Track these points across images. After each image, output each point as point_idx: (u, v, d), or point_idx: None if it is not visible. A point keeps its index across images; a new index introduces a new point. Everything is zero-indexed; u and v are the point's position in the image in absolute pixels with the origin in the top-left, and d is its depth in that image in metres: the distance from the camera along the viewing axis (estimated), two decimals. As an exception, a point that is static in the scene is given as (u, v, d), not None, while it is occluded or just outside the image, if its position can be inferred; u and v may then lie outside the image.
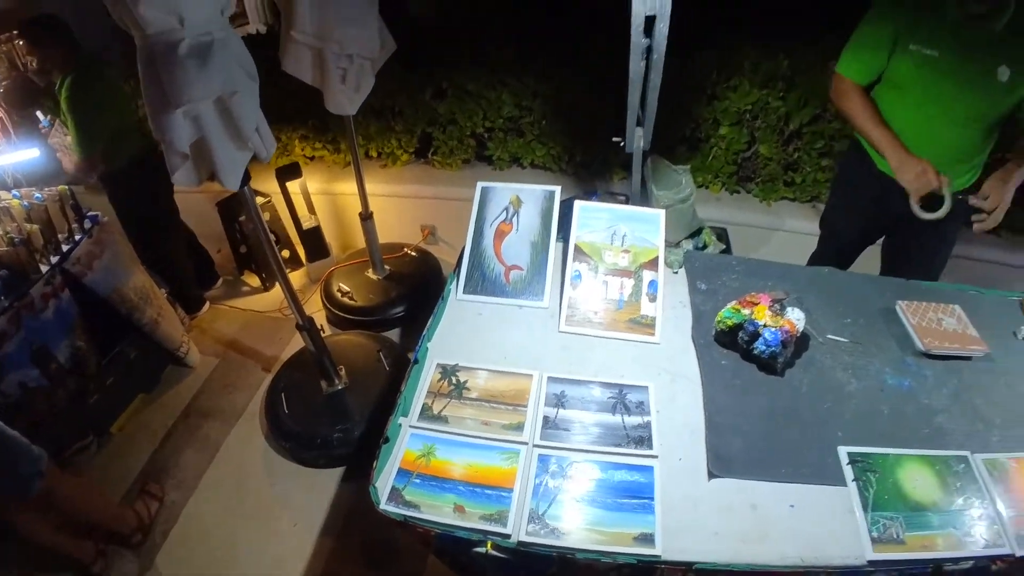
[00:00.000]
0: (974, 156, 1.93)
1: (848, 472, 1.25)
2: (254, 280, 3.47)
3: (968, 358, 1.57)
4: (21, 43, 2.76)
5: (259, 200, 3.21)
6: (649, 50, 1.48)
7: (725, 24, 3.11)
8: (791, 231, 3.02)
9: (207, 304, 3.29)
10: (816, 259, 2.48)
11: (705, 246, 2.22)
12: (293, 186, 3.22)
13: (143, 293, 2.62)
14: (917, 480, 1.25)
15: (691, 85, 2.89)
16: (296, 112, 3.29)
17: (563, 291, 1.60)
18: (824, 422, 1.36)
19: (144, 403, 2.76)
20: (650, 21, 1.42)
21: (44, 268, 2.26)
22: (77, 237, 2.42)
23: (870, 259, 2.40)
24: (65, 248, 2.36)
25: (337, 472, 2.39)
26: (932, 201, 1.81)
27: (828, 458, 1.28)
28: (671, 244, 1.86)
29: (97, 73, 2.55)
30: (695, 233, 2.24)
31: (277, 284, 3.35)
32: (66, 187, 2.45)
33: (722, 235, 2.46)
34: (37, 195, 2.37)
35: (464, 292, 1.65)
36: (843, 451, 1.29)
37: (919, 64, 1.81)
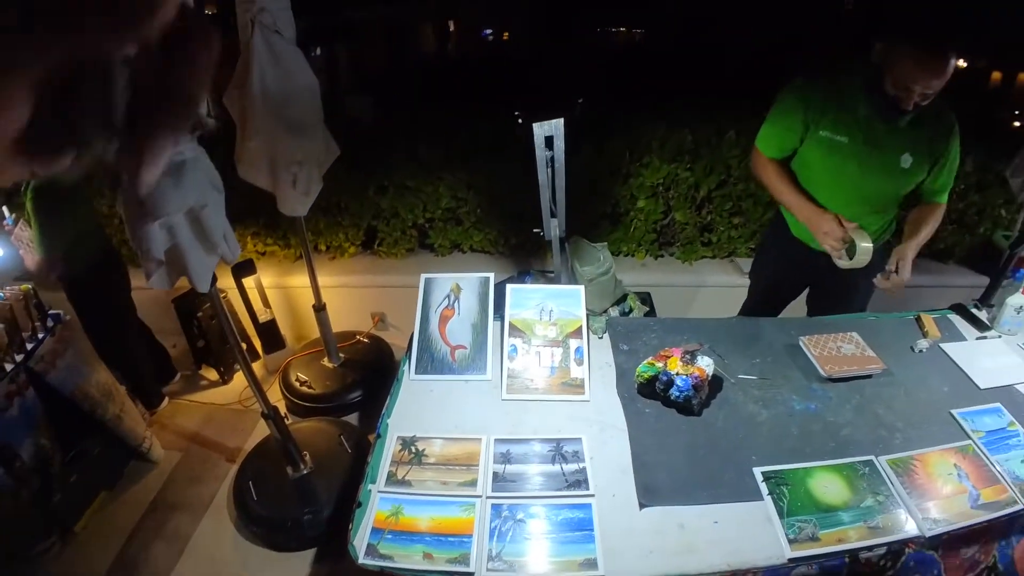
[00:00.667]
0: (877, 225, 2.16)
1: (763, 488, 1.46)
2: (212, 374, 3.53)
3: (868, 376, 1.83)
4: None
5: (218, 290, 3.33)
6: (552, 159, 1.78)
7: (633, 109, 3.51)
8: (714, 285, 3.36)
9: (166, 399, 3.33)
10: (746, 310, 2.64)
11: (630, 311, 2.48)
12: (248, 281, 3.35)
13: (105, 390, 2.67)
14: (827, 486, 1.46)
15: (607, 168, 3.25)
16: (248, 211, 3.47)
17: (503, 364, 1.82)
18: (739, 449, 1.57)
19: (108, 499, 2.75)
20: (549, 139, 1.73)
21: (8, 367, 2.30)
22: (40, 335, 2.46)
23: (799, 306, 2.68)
24: (29, 347, 2.40)
25: (309, 553, 2.46)
26: (850, 249, 1.94)
27: (745, 478, 1.48)
28: (597, 313, 2.12)
29: (63, 181, 2.67)
30: (621, 300, 2.50)
31: (235, 376, 3.46)
32: (29, 286, 2.50)
33: (646, 299, 2.73)
34: (0, 294, 2.42)
35: (416, 373, 1.85)
36: (757, 471, 1.50)
37: (830, 148, 2.00)
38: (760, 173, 2.18)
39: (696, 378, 1.65)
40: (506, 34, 21.04)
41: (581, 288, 1.91)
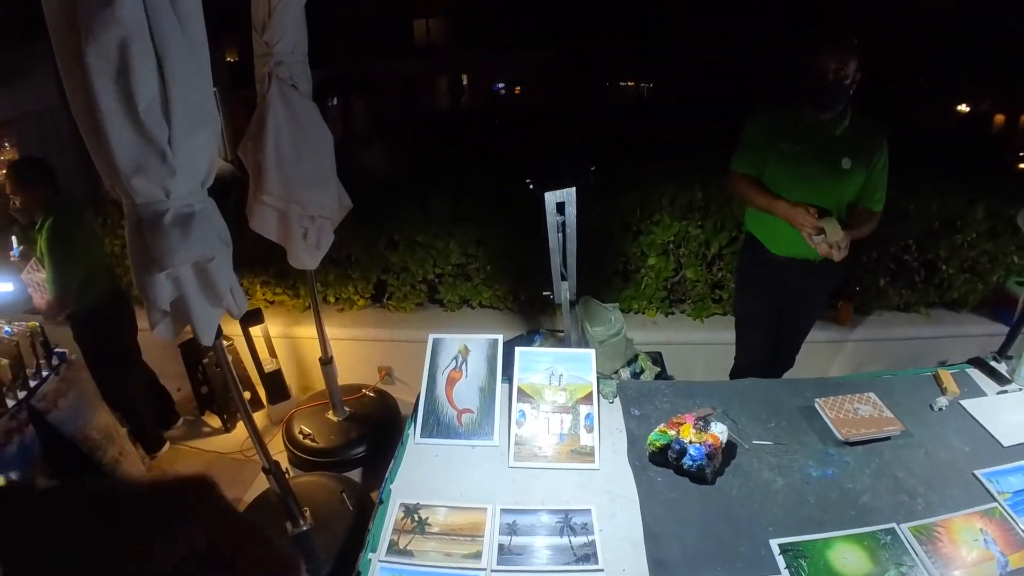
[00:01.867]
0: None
1: (780, 561, 1.40)
2: (215, 421, 3.50)
3: (887, 438, 1.77)
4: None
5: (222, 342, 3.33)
6: (563, 224, 1.78)
7: (644, 165, 3.54)
8: (725, 343, 3.28)
9: (167, 444, 3.29)
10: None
11: (642, 371, 2.45)
12: (255, 330, 3.36)
13: (106, 432, 2.63)
14: (847, 558, 1.40)
15: (618, 224, 3.27)
16: (258, 259, 3.49)
17: (510, 429, 1.78)
18: (754, 520, 1.52)
19: (105, 543, 2.69)
20: (560, 205, 1.73)
21: (10, 403, 2.28)
22: (44, 373, 2.45)
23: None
24: (32, 384, 2.39)
25: (307, 615, 2.38)
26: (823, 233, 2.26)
27: (761, 551, 1.43)
28: (607, 376, 2.09)
29: (77, 218, 2.71)
30: (631, 360, 2.47)
31: (239, 425, 3.42)
32: (36, 323, 2.50)
33: (657, 359, 2.71)
34: (7, 329, 2.41)
35: (421, 436, 1.81)
36: (774, 543, 1.44)
37: (787, 158, 2.37)
38: (736, 188, 2.54)
39: (709, 446, 1.60)
40: (518, 88, 21.71)
41: (592, 352, 1.89)
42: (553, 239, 1.82)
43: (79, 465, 2.60)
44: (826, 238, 2.22)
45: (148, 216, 1.58)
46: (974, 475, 1.66)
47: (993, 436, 1.82)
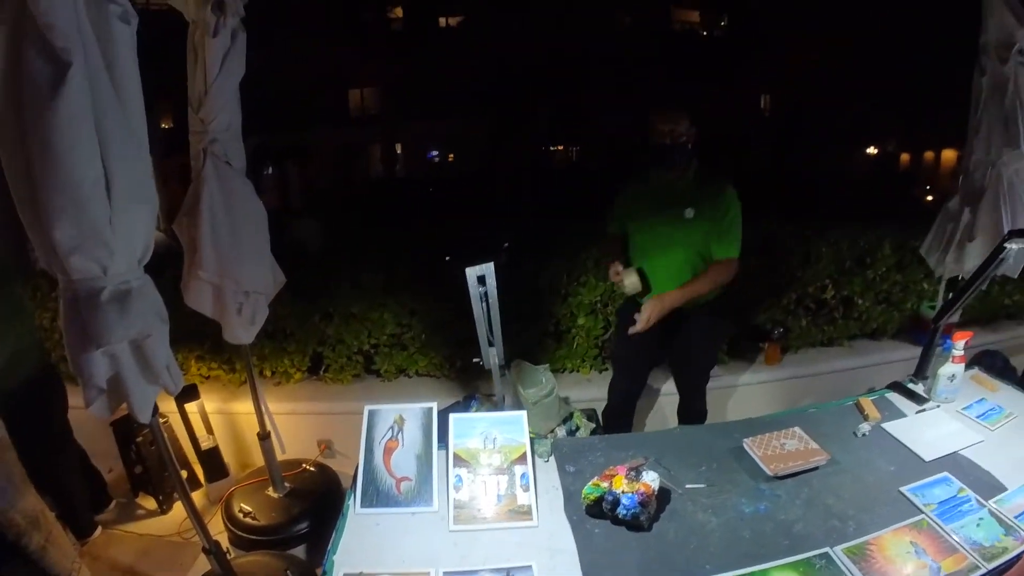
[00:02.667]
0: (683, 273, 2.62)
1: None
2: (150, 502, 3.33)
3: (815, 468, 1.86)
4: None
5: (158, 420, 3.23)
6: (485, 294, 1.88)
7: (569, 229, 3.72)
8: (663, 393, 3.44)
9: (99, 528, 3.11)
10: (613, 384, 3.03)
11: (577, 428, 2.51)
12: (191, 406, 3.26)
13: (32, 517, 2.45)
14: None
15: (547, 288, 3.41)
16: (192, 334, 3.42)
17: (449, 494, 1.80)
18: (693, 560, 1.57)
19: (29, 637, 2.47)
20: (481, 277, 1.83)
21: None
22: None
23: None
24: None
25: None
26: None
27: (700, 590, 1.45)
28: (543, 435, 2.14)
29: (8, 293, 2.61)
30: (567, 418, 2.54)
31: (175, 506, 3.28)
32: None
33: (592, 415, 2.79)
34: None
35: (362, 507, 1.81)
36: (711, 581, 1.47)
37: (642, 215, 2.67)
38: (604, 247, 2.92)
39: (642, 494, 1.66)
40: (451, 156, 22.24)
41: (523, 414, 1.94)
42: (477, 309, 1.91)
43: (2, 553, 2.42)
44: (628, 282, 2.57)
45: (85, 293, 1.58)
46: (900, 492, 1.76)
47: (915, 453, 1.94)
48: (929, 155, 22.45)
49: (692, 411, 2.96)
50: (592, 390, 3.39)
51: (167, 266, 2.70)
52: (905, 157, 23.42)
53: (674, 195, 2.60)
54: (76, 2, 1.46)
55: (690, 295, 2.58)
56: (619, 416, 2.91)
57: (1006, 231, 2.44)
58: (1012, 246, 2.11)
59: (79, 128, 1.46)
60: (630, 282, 2.56)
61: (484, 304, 1.90)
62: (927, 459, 1.92)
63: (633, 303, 2.76)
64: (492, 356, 2.01)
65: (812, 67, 19.42)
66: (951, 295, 2.52)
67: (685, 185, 2.61)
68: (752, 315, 3.62)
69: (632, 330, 2.53)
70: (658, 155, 2.56)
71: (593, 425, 2.60)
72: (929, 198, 17.49)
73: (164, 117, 12.00)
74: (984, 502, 1.73)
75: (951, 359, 2.20)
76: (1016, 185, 2.91)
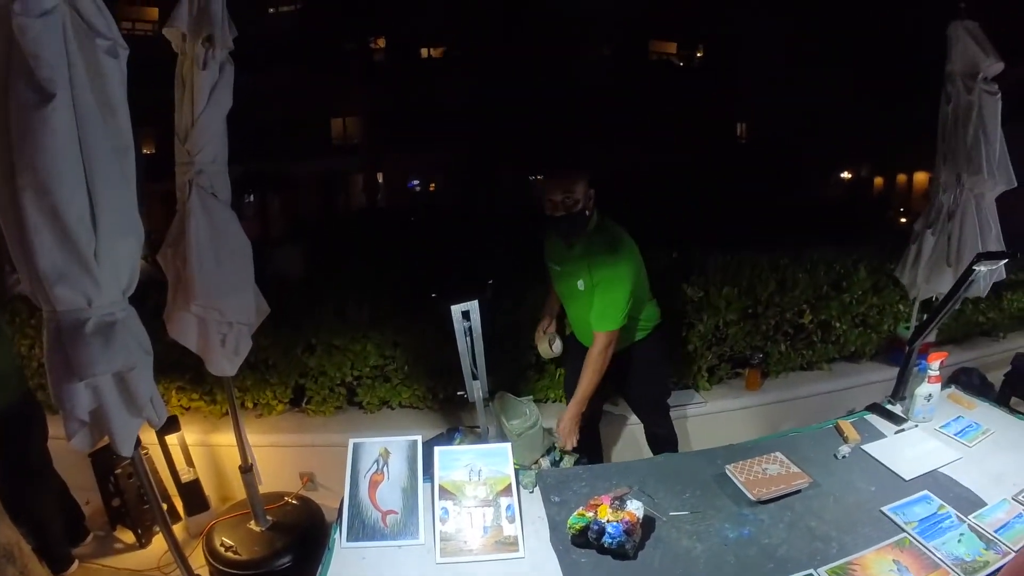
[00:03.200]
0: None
1: None
2: (128, 536, 3.26)
3: (797, 492, 1.88)
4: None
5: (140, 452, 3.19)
6: (470, 329, 1.90)
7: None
8: (631, 422, 3.43)
9: (76, 563, 3.03)
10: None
11: (560, 459, 2.52)
12: (171, 438, 3.21)
13: (7, 551, 2.38)
14: None
15: (527, 320, 3.38)
16: (173, 365, 3.39)
17: (435, 527, 1.80)
18: (679, 587, 1.56)
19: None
20: (466, 312, 1.85)
21: None
22: None
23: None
24: None
25: None
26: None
27: (687, 616, 1.46)
28: (526, 466, 2.16)
29: None
30: (550, 449, 2.55)
31: (154, 539, 3.22)
32: None
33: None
34: None
35: (347, 541, 1.80)
36: (697, 606, 1.48)
37: (552, 273, 2.76)
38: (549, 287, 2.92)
39: (627, 523, 1.67)
40: (432, 185, 22.40)
41: (508, 446, 1.96)
42: (462, 343, 1.94)
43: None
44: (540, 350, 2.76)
45: (69, 324, 1.58)
46: (881, 511, 1.80)
47: (895, 473, 1.98)
48: (901, 178, 23.05)
49: (657, 437, 2.99)
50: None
51: (149, 295, 2.69)
52: (879, 181, 24.04)
53: (572, 262, 2.60)
54: (65, 34, 1.49)
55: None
56: (584, 447, 2.85)
57: (976, 252, 2.53)
58: (981, 268, 2.19)
59: (65, 160, 1.48)
60: (542, 349, 2.76)
61: (468, 339, 1.93)
62: (907, 478, 1.96)
63: (573, 343, 2.89)
64: (476, 389, 2.03)
65: (785, 96, 19.96)
66: (925, 316, 2.58)
67: (580, 250, 2.57)
68: (732, 341, 3.67)
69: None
70: (554, 225, 2.53)
71: (576, 456, 2.61)
72: (903, 220, 17.91)
73: (146, 142, 11.95)
74: (964, 518, 1.77)
75: (927, 379, 2.25)
76: (984, 207, 3.02)
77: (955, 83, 2.99)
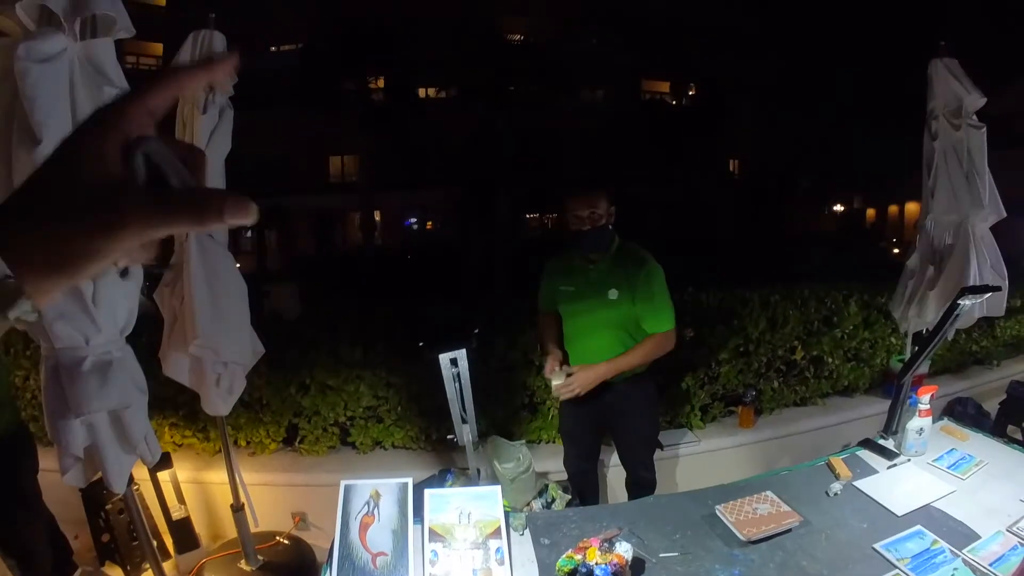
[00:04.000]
0: (615, 351, 2.61)
1: None
2: (117, 572, 3.23)
3: (788, 531, 1.87)
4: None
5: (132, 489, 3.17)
6: (458, 375, 1.95)
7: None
8: (610, 465, 3.37)
9: None
10: (565, 457, 2.94)
11: (553, 500, 2.52)
12: (163, 475, 3.21)
13: None
14: None
15: (520, 360, 3.46)
16: (167, 401, 3.41)
17: (425, 570, 1.80)
18: (666, 631, 1.54)
19: None
20: (454, 359, 1.89)
21: None
22: None
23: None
24: None
25: None
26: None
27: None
28: (518, 509, 2.16)
29: None
30: (542, 491, 2.55)
31: (146, 576, 3.19)
32: None
33: (567, 487, 2.79)
34: None
35: (337, 582, 1.79)
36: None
37: (565, 295, 2.69)
38: (539, 324, 2.88)
39: (615, 565, 1.67)
40: (429, 223, 22.61)
41: (497, 488, 1.96)
42: (450, 389, 1.98)
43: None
44: (553, 385, 2.54)
45: (67, 361, 1.61)
46: (874, 548, 1.78)
47: (888, 509, 1.97)
48: (893, 210, 23.35)
49: (642, 482, 2.89)
50: (571, 460, 3.40)
51: (144, 331, 2.70)
52: (871, 213, 24.36)
53: (597, 276, 2.62)
54: (72, 79, 1.55)
55: (622, 368, 2.58)
56: (582, 490, 2.87)
57: (970, 284, 2.56)
58: (965, 302, 2.22)
59: None
60: (557, 384, 2.55)
61: (457, 384, 1.96)
62: (899, 514, 1.95)
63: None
64: (466, 433, 2.05)
65: (775, 136, 20.36)
66: (917, 349, 2.59)
67: (607, 265, 2.62)
68: (724, 379, 3.69)
69: (556, 391, 2.52)
70: (578, 240, 2.58)
71: (568, 497, 2.61)
72: (896, 250, 18.09)
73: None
74: (958, 552, 1.76)
75: (918, 413, 2.25)
76: (977, 239, 3.06)
77: (939, 120, 3.05)
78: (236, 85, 2.39)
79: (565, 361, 2.63)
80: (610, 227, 2.59)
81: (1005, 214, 3.06)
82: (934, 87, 3.06)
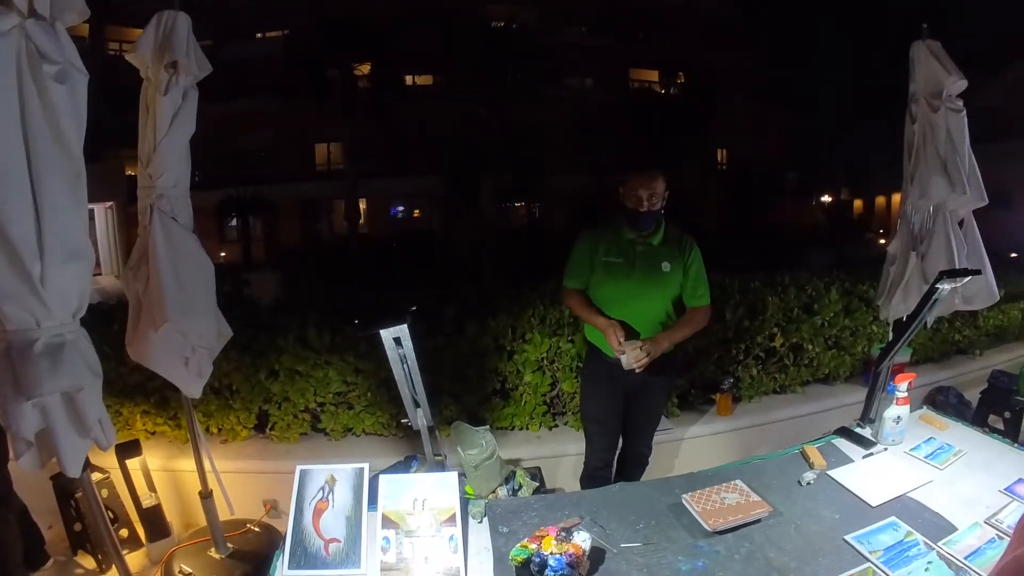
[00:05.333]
0: (662, 320, 2.73)
1: None
2: (89, 561, 3.18)
3: (757, 521, 1.83)
4: None
5: (97, 476, 3.13)
6: (404, 356, 1.92)
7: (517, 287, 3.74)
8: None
9: None
10: (593, 448, 2.93)
11: (519, 488, 2.49)
12: (133, 463, 3.17)
13: None
14: None
15: (491, 347, 3.41)
16: (138, 389, 3.37)
17: (376, 556, 1.76)
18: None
19: None
20: (397, 339, 1.85)
21: None
22: None
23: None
24: None
25: None
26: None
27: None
28: (483, 496, 2.13)
29: None
30: (509, 477, 2.52)
31: (114, 567, 3.16)
32: None
33: (535, 474, 2.77)
34: None
35: (289, 568, 1.78)
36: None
37: (611, 269, 2.70)
38: (569, 302, 2.88)
39: (571, 555, 1.63)
40: (417, 212, 22.52)
41: (455, 474, 1.93)
42: (397, 370, 1.94)
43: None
44: (627, 357, 2.49)
45: (18, 343, 1.61)
46: (844, 540, 1.75)
47: (862, 499, 1.93)
48: (880, 201, 23.44)
49: (640, 458, 2.96)
50: (542, 448, 3.39)
51: (116, 317, 2.66)
52: (858, 204, 24.44)
53: (649, 250, 2.71)
54: (19, 60, 1.51)
55: (677, 339, 2.70)
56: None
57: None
58: (944, 287, 2.18)
59: (9, 184, 1.51)
60: (633, 356, 2.48)
61: (405, 366, 1.92)
62: (873, 504, 1.91)
63: (599, 363, 2.82)
64: (419, 416, 2.01)
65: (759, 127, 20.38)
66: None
67: (657, 241, 2.72)
68: (702, 367, 3.67)
69: (631, 364, 2.50)
70: (634, 219, 2.66)
71: (536, 484, 2.58)
72: (882, 241, 18.18)
73: (130, 164, 12.02)
74: (933, 545, 1.72)
75: (895, 401, 2.22)
76: (966, 226, 3.04)
77: (919, 103, 2.99)
78: (221, 72, 2.35)
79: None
80: (663, 211, 2.69)
81: (987, 200, 3.01)
82: (915, 70, 2.99)
